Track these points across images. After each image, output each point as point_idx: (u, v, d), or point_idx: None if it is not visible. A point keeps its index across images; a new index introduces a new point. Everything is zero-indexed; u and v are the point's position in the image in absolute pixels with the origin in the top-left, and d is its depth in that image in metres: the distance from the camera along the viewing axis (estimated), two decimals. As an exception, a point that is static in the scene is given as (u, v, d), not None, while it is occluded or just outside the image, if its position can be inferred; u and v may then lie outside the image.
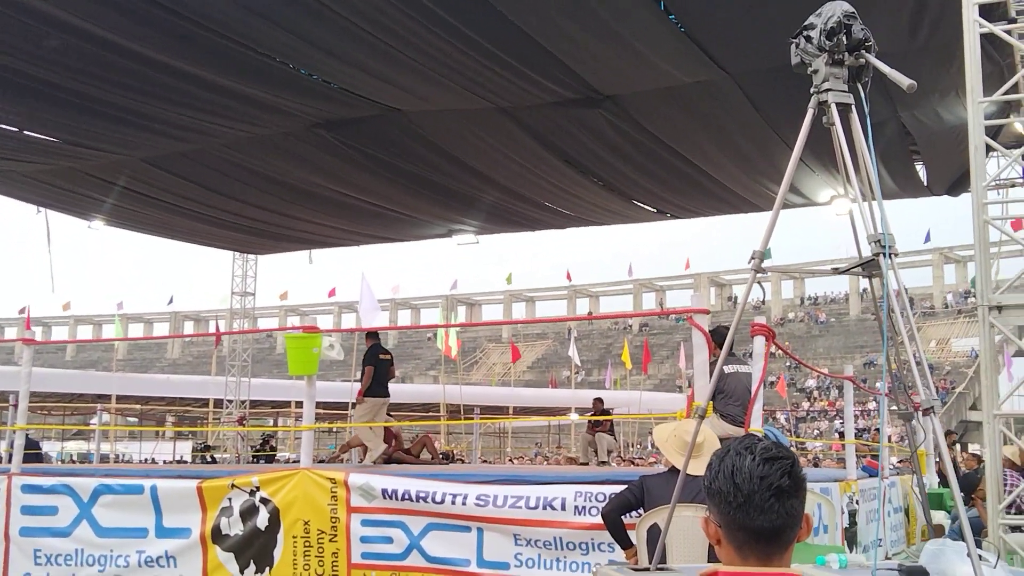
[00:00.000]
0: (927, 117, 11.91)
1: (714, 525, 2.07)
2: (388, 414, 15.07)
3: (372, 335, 12.93)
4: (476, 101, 11.42)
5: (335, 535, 7.09)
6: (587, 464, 16.69)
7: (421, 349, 77.00)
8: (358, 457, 13.54)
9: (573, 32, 9.60)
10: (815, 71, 4.04)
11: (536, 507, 6.50)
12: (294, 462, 15.10)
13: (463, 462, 22.32)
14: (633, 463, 25.69)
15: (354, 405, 13.28)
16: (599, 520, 5.91)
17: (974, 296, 55.98)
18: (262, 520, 7.30)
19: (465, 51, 9.88)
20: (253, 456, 24.91)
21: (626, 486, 5.71)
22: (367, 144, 13.23)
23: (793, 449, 2.18)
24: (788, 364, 56.03)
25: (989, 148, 8.19)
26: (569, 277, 72.73)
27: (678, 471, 5.00)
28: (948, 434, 17.08)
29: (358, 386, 12.58)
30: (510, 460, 30.71)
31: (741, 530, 2.01)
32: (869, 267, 3.92)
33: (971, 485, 10.17)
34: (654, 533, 5.15)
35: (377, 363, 12.19)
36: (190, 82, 10.75)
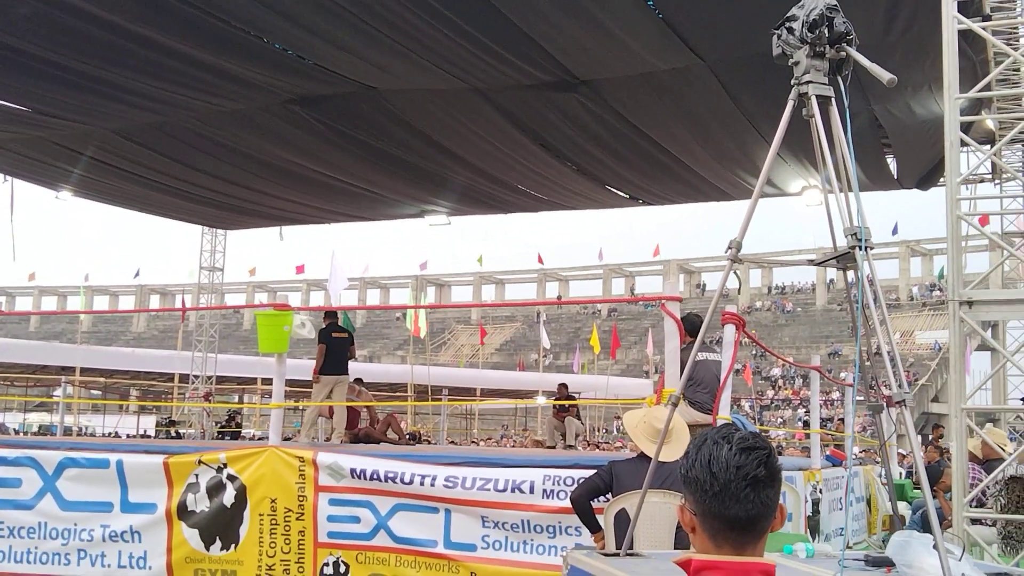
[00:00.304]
0: (899, 111, 12.01)
1: (689, 513, 2.08)
2: (365, 389, 15.06)
3: (330, 314, 12.98)
4: (451, 81, 11.37)
5: (302, 513, 7.08)
6: (554, 447, 16.77)
7: (389, 329, 76.86)
8: (324, 435, 13.53)
9: (550, 14, 9.58)
10: (796, 63, 4.05)
11: (505, 490, 6.54)
12: (260, 439, 15.06)
13: (430, 443, 22.35)
14: (598, 447, 25.82)
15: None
16: (567, 504, 5.95)
17: (939, 289, 56.47)
18: (229, 497, 7.28)
19: (441, 30, 9.82)
20: (218, 432, 24.76)
21: (595, 471, 5.75)
22: (340, 122, 13.14)
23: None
24: (754, 352, 56.46)
25: (962, 143, 8.27)
26: (541, 260, 72.59)
27: (647, 457, 5.04)
28: (935, 427, 17.27)
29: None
30: (473, 442, 30.73)
31: (716, 519, 2.02)
32: (844, 259, 3.95)
33: (933, 477, 10.30)
34: (622, 518, 5.19)
35: (330, 341, 12.23)
36: (163, 53, 10.62)
